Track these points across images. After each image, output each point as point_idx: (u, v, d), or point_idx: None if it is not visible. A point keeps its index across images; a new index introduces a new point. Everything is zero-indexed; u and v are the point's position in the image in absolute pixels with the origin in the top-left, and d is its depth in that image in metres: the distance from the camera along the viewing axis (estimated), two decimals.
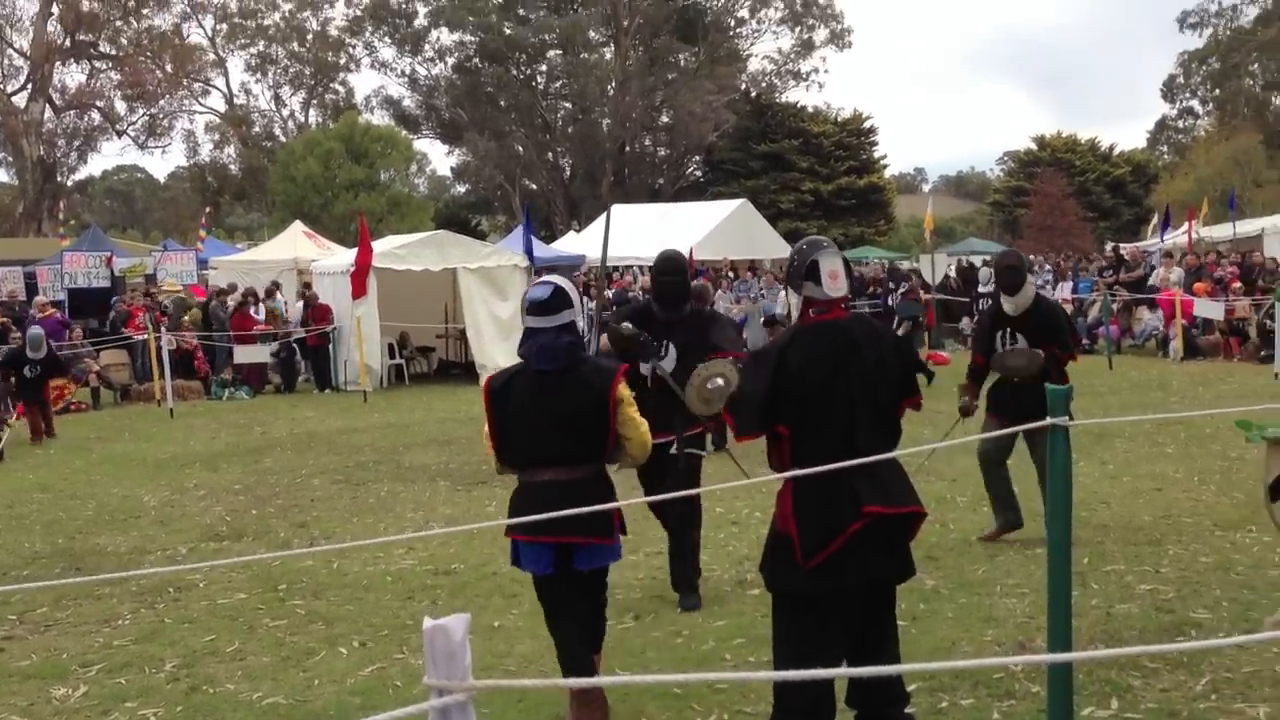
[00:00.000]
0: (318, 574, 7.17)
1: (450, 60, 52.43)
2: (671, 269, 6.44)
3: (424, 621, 1.77)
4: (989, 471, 7.68)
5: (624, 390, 4.57)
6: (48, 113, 46.32)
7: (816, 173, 49.73)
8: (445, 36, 52.01)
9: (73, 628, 6.32)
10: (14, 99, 45.56)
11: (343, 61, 54.33)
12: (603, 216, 37.59)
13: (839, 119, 52.94)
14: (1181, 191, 43.41)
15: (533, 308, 4.56)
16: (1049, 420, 3.80)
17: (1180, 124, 61.39)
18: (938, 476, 9.41)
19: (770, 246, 31.84)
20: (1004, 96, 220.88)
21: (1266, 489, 5.46)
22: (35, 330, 14.88)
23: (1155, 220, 31.79)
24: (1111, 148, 56.99)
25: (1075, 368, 16.95)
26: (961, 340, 20.17)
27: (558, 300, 4.55)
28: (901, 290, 18.83)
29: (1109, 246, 27.35)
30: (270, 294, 20.37)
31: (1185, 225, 25.46)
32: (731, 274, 25.83)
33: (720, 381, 5.78)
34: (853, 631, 4.00)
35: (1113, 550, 7.12)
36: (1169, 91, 59.03)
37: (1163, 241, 26.07)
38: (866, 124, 53.23)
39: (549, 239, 35.84)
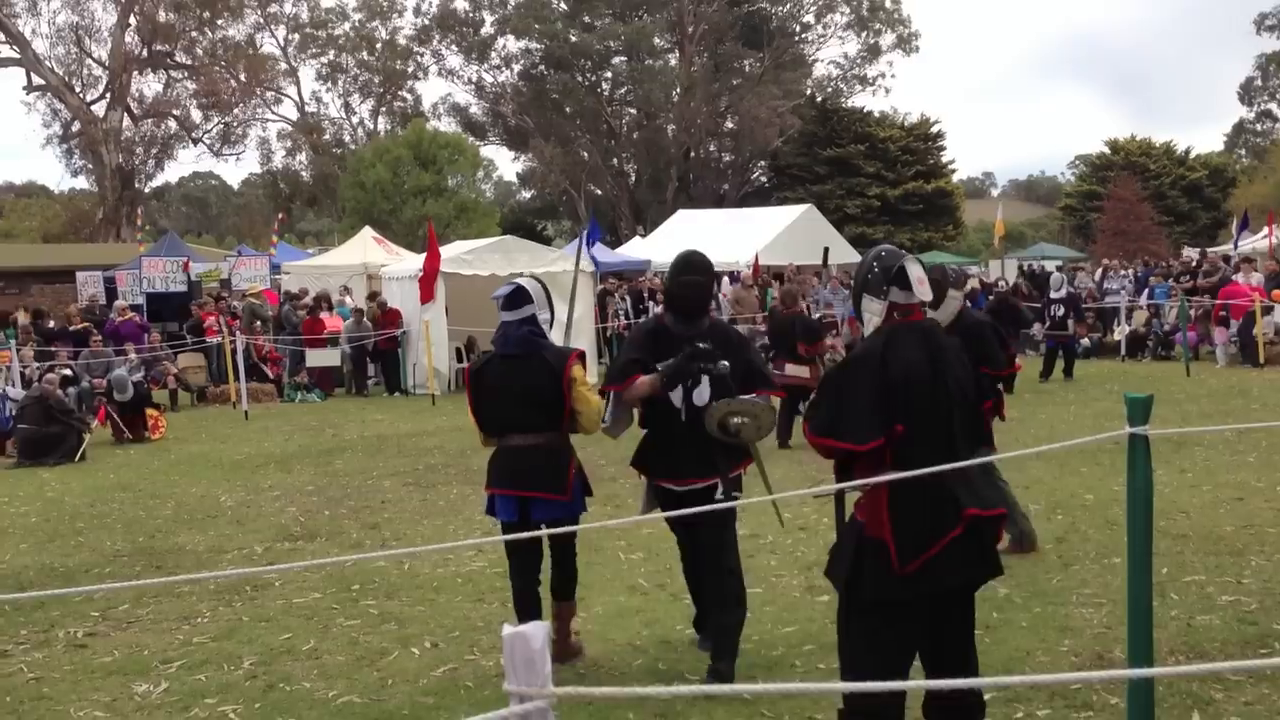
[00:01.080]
0: (390, 575, 7.26)
1: (516, 67, 52.95)
2: (697, 268, 5.44)
3: (503, 629, 1.79)
4: None
5: (577, 371, 5.34)
6: (126, 121, 47.44)
7: (883, 177, 49.33)
8: (511, 44, 52.58)
9: (154, 625, 6.46)
10: (93, 108, 46.75)
11: (411, 70, 55.01)
12: (669, 221, 37.70)
13: (906, 123, 52.48)
14: (1260, 195, 42.47)
15: (502, 303, 5.43)
16: (1127, 430, 3.72)
17: (1258, 127, 60.03)
18: (1010, 483, 9.26)
19: (836, 252, 31.62)
20: (1075, 100, 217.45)
21: None
22: (118, 374, 15.06)
23: (1234, 224, 31.09)
24: (1187, 151, 55.85)
25: (1153, 375, 16.79)
26: (1033, 346, 19.89)
27: (519, 297, 5.39)
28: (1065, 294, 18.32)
29: (1194, 251, 26.79)
30: (373, 297, 20.50)
31: (1265, 230, 24.87)
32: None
33: (743, 421, 5.10)
34: (932, 637, 3.98)
35: (1193, 561, 6.98)
36: (1246, 94, 57.80)
37: (1237, 246, 25.47)
38: (934, 128, 52.70)
39: (614, 244, 35.97)
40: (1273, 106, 58.14)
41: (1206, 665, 3.74)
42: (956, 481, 3.82)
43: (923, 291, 4.07)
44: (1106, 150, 57.07)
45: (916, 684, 3.93)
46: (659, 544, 7.80)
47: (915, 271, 4.09)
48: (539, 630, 1.80)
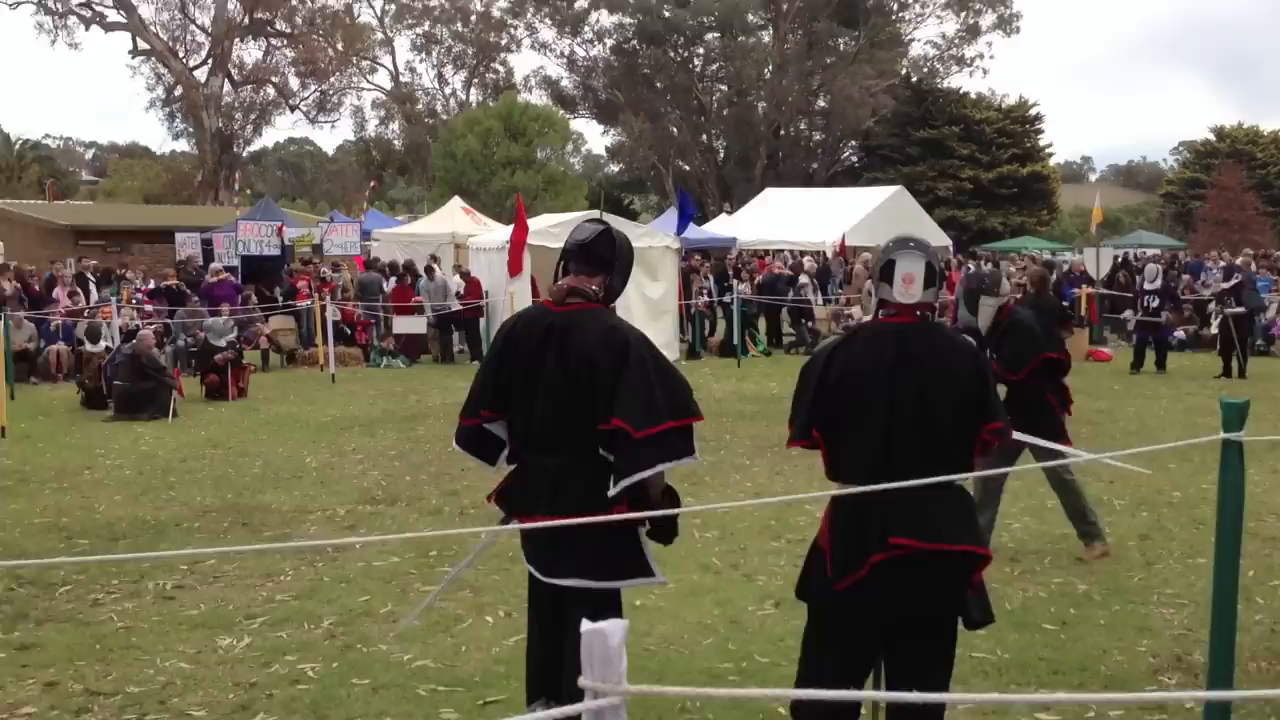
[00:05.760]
0: (466, 542, 7.35)
1: (609, 42, 52.93)
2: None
3: (582, 624, 1.82)
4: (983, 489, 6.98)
5: None
6: (226, 87, 48.49)
7: (977, 160, 48.41)
8: (605, 18, 52.56)
9: (238, 580, 6.64)
10: (195, 73, 47.84)
11: (504, 42, 55.32)
12: (756, 199, 37.45)
13: (1003, 105, 51.40)
14: None
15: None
16: (1221, 435, 3.62)
17: None
18: (1094, 477, 9.09)
19: (926, 235, 30.85)
20: (1181, 84, 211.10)
21: None
22: (214, 320, 15.92)
23: None
24: None
25: (1249, 370, 16.24)
26: (1125, 335, 19.43)
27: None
28: (1234, 281, 17.74)
29: None
30: (429, 273, 20.75)
31: None
32: None
33: None
34: (887, 669, 3.83)
35: None
36: None
37: None
38: (1032, 111, 51.57)
39: (700, 220, 35.83)
40: None
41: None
42: (892, 505, 3.56)
43: (907, 294, 3.80)
44: (1212, 137, 55.36)
45: (872, 695, 3.79)
46: (734, 523, 7.81)
47: (905, 269, 3.81)
48: (617, 628, 1.83)
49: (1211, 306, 18.28)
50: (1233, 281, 17.51)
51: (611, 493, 3.91)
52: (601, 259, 4.22)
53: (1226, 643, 3.81)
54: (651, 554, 4.15)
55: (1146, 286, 17.83)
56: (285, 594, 6.37)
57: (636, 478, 3.90)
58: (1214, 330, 19.03)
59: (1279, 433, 11.12)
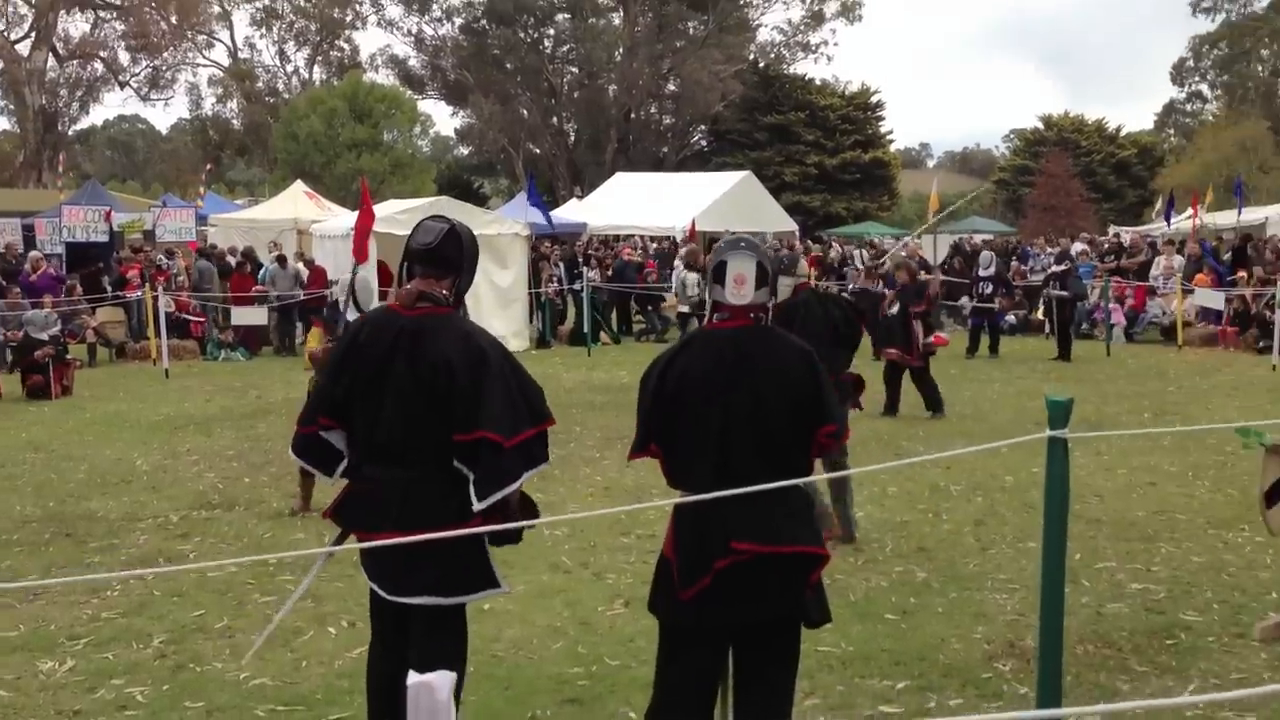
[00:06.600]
0: (309, 547, 7.14)
1: (458, 21, 52.19)
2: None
3: (409, 676, 1.74)
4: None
5: None
6: (51, 62, 46.01)
7: (821, 146, 49.48)
8: None
9: (61, 597, 6.27)
10: (17, 47, 45.24)
11: (349, 19, 53.96)
12: (607, 183, 37.39)
13: (846, 92, 52.62)
14: (1187, 175, 43.21)
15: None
16: (1047, 433, 3.75)
17: (1188, 108, 61.17)
18: (933, 464, 9.38)
19: (773, 219, 31.76)
20: (1014, 74, 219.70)
21: (1262, 495, 5.43)
22: (34, 313, 14.87)
23: (1160, 204, 31.63)
24: (1118, 129, 56.64)
25: (1075, 354, 16.95)
26: (961, 320, 20.10)
27: None
28: (1063, 267, 18.18)
29: (1111, 232, 27.18)
30: (281, 261, 20.01)
31: (1190, 211, 25.29)
32: None
33: None
34: (735, 674, 3.82)
35: (1104, 547, 7.12)
36: (1178, 74, 58.72)
37: (1169, 226, 25.93)
38: (874, 98, 52.94)
39: (551, 205, 35.67)
40: (1203, 88, 59.19)
41: (1113, 705, 3.79)
42: (732, 510, 3.54)
43: (738, 295, 3.77)
44: (1040, 125, 57.70)
45: None
46: (582, 520, 7.76)
47: (736, 269, 3.78)
48: (444, 680, 1.76)
49: (1046, 292, 19.08)
50: (1063, 266, 18.27)
51: (478, 508, 3.78)
52: (449, 260, 4.06)
53: (1055, 628, 3.96)
54: (496, 563, 4.06)
55: (981, 273, 18.45)
56: (112, 611, 6.05)
57: (506, 490, 3.81)
58: (1040, 315, 19.89)
59: (1101, 416, 11.69)
